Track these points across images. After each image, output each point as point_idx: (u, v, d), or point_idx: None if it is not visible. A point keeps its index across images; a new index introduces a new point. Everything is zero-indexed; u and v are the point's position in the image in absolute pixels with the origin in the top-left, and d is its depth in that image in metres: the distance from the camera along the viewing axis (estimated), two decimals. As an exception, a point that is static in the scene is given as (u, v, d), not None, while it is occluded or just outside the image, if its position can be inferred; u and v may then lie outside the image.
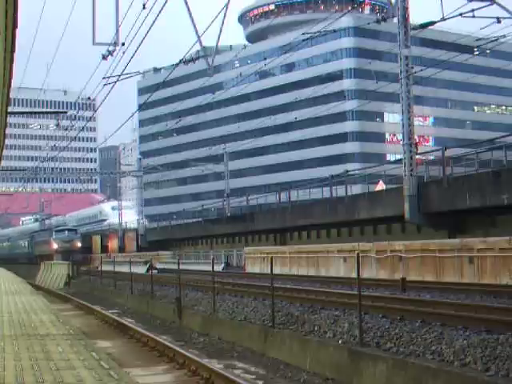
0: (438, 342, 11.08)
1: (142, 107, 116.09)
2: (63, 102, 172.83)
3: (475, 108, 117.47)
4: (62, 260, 60.33)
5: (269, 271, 18.98)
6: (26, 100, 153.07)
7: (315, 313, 15.65)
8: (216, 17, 22.27)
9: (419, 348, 11.16)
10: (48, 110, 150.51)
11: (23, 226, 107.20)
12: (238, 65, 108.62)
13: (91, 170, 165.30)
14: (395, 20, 29.53)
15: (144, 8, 19.31)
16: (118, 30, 21.88)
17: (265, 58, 49.38)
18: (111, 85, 25.81)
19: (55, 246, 68.24)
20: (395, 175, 35.86)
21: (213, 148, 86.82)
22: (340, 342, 13.04)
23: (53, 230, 72.91)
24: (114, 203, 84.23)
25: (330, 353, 12.73)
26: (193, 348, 16.60)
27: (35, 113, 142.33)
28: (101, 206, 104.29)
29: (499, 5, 27.40)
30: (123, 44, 21.77)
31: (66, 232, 71.10)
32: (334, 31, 45.51)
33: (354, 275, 13.93)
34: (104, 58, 22.47)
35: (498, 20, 27.10)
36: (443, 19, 26.84)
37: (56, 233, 70.69)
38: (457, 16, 26.25)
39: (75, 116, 59.53)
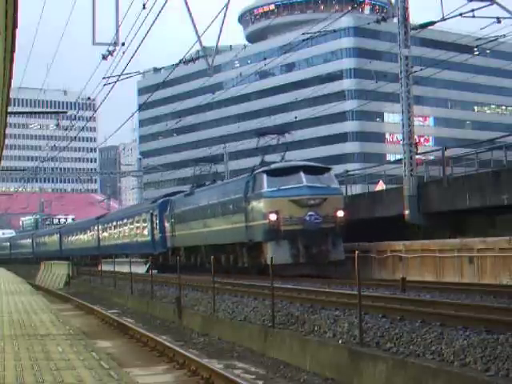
0: (437, 342, 11.07)
1: (141, 107, 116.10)
2: (63, 102, 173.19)
3: (475, 108, 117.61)
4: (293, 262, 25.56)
5: (269, 271, 18.93)
6: (26, 100, 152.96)
7: (315, 313, 15.63)
8: (216, 17, 22.36)
9: (419, 348, 11.15)
10: (48, 110, 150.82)
11: None
12: (238, 65, 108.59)
13: (91, 170, 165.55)
14: (395, 20, 29.52)
15: (144, 8, 19.39)
16: (117, 30, 21.94)
17: (265, 58, 49.23)
18: (111, 85, 25.88)
19: (272, 217, 25.21)
20: (395, 175, 35.86)
21: (213, 148, 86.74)
22: (340, 341, 13.03)
23: (257, 174, 27.94)
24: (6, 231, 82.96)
25: (329, 353, 12.73)
26: (193, 348, 16.59)
27: (35, 113, 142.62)
28: None
29: (499, 5, 27.42)
30: (123, 44, 21.85)
31: (303, 177, 25.85)
32: (334, 31, 45.47)
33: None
34: (104, 58, 22.53)
35: (498, 20, 27.13)
36: (443, 19, 26.86)
37: (269, 177, 26.59)
38: (457, 16, 26.29)
39: (75, 116, 59.70)
